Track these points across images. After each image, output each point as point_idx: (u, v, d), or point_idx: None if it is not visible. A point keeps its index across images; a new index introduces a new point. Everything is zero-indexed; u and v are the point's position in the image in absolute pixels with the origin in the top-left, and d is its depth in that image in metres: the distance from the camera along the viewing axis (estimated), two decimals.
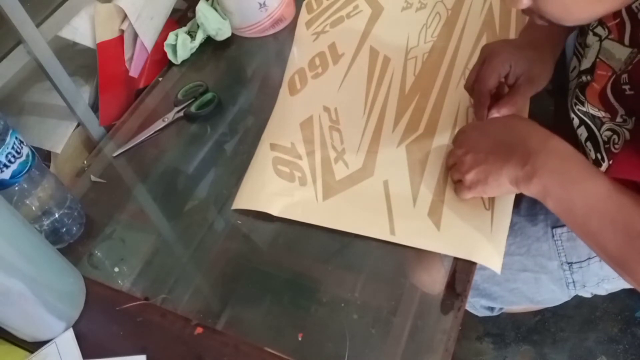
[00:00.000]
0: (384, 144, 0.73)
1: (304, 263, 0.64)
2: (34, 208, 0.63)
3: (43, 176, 0.63)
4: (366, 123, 0.75)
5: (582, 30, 0.69)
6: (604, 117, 0.64)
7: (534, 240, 0.74)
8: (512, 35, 0.83)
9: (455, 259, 0.61)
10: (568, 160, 0.55)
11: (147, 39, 0.85)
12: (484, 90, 0.69)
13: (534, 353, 1.19)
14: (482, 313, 0.89)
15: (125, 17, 0.80)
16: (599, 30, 0.63)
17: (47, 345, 0.57)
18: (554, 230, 0.73)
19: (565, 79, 0.75)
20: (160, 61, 0.91)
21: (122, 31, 0.81)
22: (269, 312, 0.61)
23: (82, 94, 0.80)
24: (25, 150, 0.60)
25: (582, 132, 0.69)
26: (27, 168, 0.60)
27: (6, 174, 0.58)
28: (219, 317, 0.60)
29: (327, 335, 0.58)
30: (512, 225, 0.65)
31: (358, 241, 0.64)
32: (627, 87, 0.58)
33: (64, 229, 0.67)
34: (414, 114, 0.75)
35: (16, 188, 0.60)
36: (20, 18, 0.65)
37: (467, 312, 0.86)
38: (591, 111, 0.66)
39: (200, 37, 0.91)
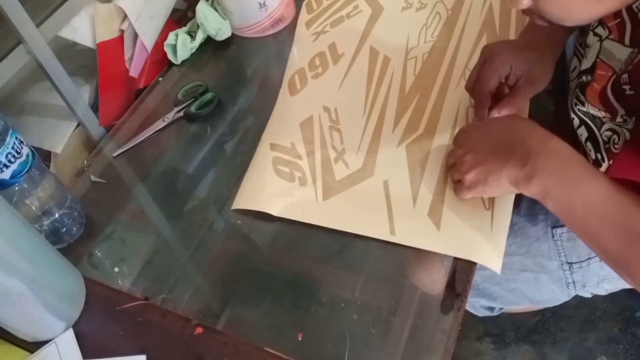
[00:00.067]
0: (384, 144, 0.73)
1: (304, 263, 0.64)
2: (34, 208, 0.63)
3: (43, 176, 0.63)
4: (366, 123, 0.75)
5: (583, 31, 0.69)
6: (604, 117, 0.64)
7: (534, 240, 0.74)
8: (512, 35, 0.83)
9: (455, 259, 0.61)
10: (568, 161, 0.55)
11: (147, 39, 0.85)
12: (485, 91, 0.69)
13: (534, 353, 1.19)
14: (482, 313, 0.89)
15: (125, 17, 0.80)
16: (600, 30, 0.63)
17: (47, 345, 0.57)
18: (554, 230, 0.73)
19: (565, 79, 0.75)
20: (160, 61, 0.91)
21: (122, 31, 0.81)
22: (269, 312, 0.61)
23: (82, 94, 0.80)
24: (25, 150, 0.60)
25: (582, 132, 0.69)
26: (27, 168, 0.60)
27: (6, 174, 0.58)
28: (219, 317, 0.60)
29: (327, 335, 0.58)
30: (512, 225, 0.65)
31: (358, 241, 0.64)
32: (627, 87, 0.58)
33: (64, 229, 0.67)
34: (414, 114, 0.75)
35: (16, 188, 0.60)
36: (20, 18, 0.65)
37: (467, 312, 0.86)
38: (591, 111, 0.66)
39: (200, 37, 0.91)
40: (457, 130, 0.70)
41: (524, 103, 0.72)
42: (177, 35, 0.90)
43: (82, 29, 0.76)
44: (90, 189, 0.76)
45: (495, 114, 0.69)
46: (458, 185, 0.64)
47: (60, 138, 0.79)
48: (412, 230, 0.63)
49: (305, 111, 0.78)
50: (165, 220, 0.72)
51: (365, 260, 0.63)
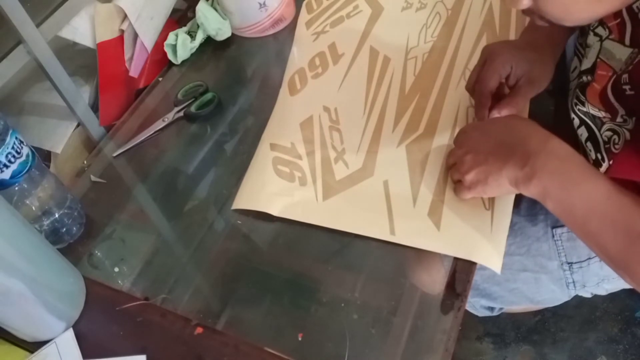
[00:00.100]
0: (384, 144, 0.73)
1: (304, 263, 0.64)
2: (34, 208, 0.63)
3: (43, 176, 0.63)
4: (366, 123, 0.75)
5: (583, 31, 0.69)
6: (604, 117, 0.64)
7: (534, 240, 0.74)
8: (512, 35, 0.83)
9: (455, 259, 0.61)
10: (568, 161, 0.55)
11: (147, 39, 0.85)
12: (485, 91, 0.69)
13: (534, 353, 1.19)
14: (482, 313, 0.89)
15: (125, 17, 0.80)
16: (600, 30, 0.63)
17: (47, 345, 0.57)
18: (554, 230, 0.73)
19: (565, 79, 0.75)
20: (160, 61, 0.91)
21: (122, 31, 0.81)
22: (269, 312, 0.61)
23: (82, 94, 0.80)
24: (25, 150, 0.60)
25: (583, 132, 0.69)
26: (27, 168, 0.60)
27: (6, 174, 0.58)
28: (219, 317, 0.60)
29: (327, 335, 0.58)
30: (512, 225, 0.65)
31: (358, 241, 0.64)
32: (627, 87, 0.58)
33: (64, 229, 0.67)
34: (414, 114, 0.75)
35: (16, 188, 0.60)
36: (20, 18, 0.65)
37: (467, 312, 0.86)
38: (591, 111, 0.66)
39: (200, 37, 0.91)
40: (457, 130, 0.70)
41: (524, 103, 0.72)
42: (177, 35, 0.90)
43: (82, 29, 0.76)
44: (90, 189, 0.76)
45: (496, 114, 0.69)
46: (458, 185, 0.64)
47: (60, 138, 0.79)
48: (412, 230, 0.63)
49: (305, 111, 0.78)
50: (165, 220, 0.72)
51: (365, 260, 0.63)
